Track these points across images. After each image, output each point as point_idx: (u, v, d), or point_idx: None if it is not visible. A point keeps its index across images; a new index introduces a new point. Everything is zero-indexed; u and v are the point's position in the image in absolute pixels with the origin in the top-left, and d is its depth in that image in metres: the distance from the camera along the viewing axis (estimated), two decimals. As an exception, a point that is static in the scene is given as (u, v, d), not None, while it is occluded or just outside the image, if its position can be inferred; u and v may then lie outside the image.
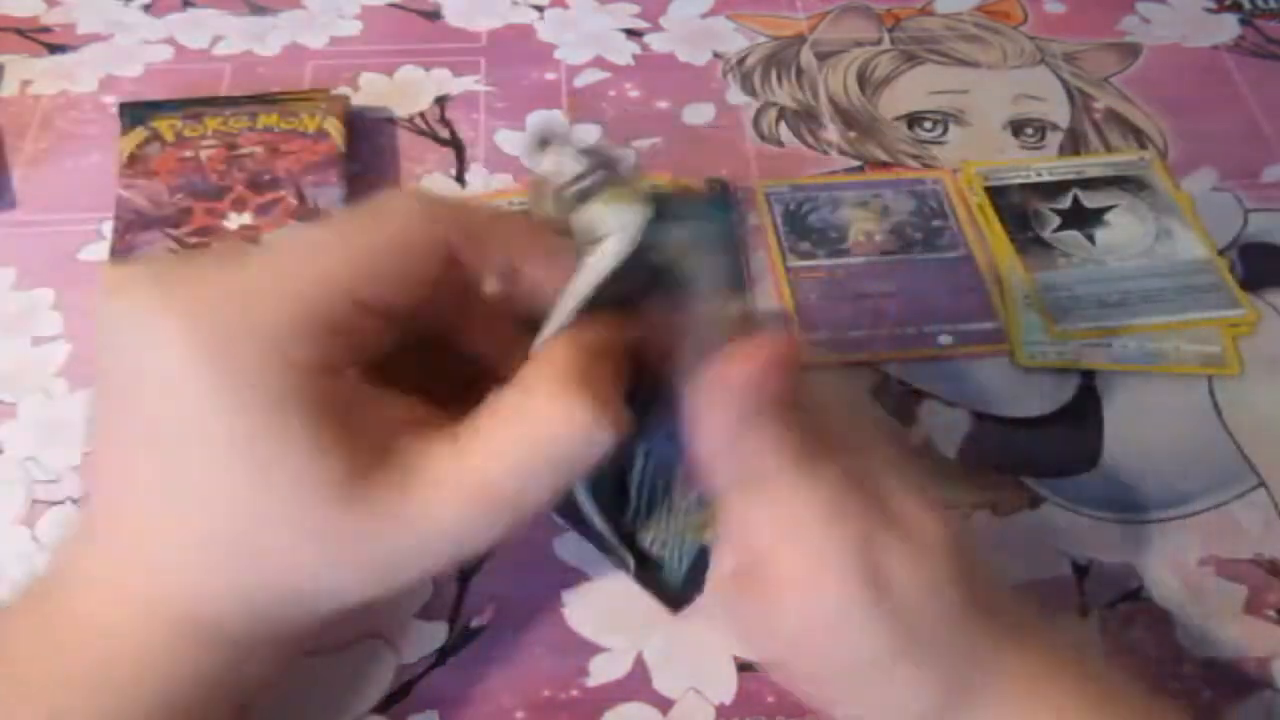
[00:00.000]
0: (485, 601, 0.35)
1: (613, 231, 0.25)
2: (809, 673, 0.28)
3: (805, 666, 0.28)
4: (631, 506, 0.30)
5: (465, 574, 0.35)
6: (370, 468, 0.24)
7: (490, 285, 0.26)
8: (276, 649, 0.27)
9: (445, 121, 0.50)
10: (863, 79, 0.52)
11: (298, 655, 0.30)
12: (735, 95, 0.51)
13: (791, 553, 0.26)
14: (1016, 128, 0.50)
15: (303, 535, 0.24)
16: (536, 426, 0.24)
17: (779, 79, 0.52)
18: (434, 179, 0.47)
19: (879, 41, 0.54)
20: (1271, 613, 0.35)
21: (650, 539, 0.30)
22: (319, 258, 0.24)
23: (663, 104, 0.51)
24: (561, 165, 0.26)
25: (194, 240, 0.43)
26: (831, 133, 0.50)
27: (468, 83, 0.52)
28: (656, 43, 0.54)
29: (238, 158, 0.45)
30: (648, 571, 0.31)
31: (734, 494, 0.27)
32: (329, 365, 0.24)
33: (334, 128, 0.47)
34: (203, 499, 0.24)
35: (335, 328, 0.24)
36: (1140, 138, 0.50)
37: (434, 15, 0.55)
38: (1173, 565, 0.36)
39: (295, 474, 0.23)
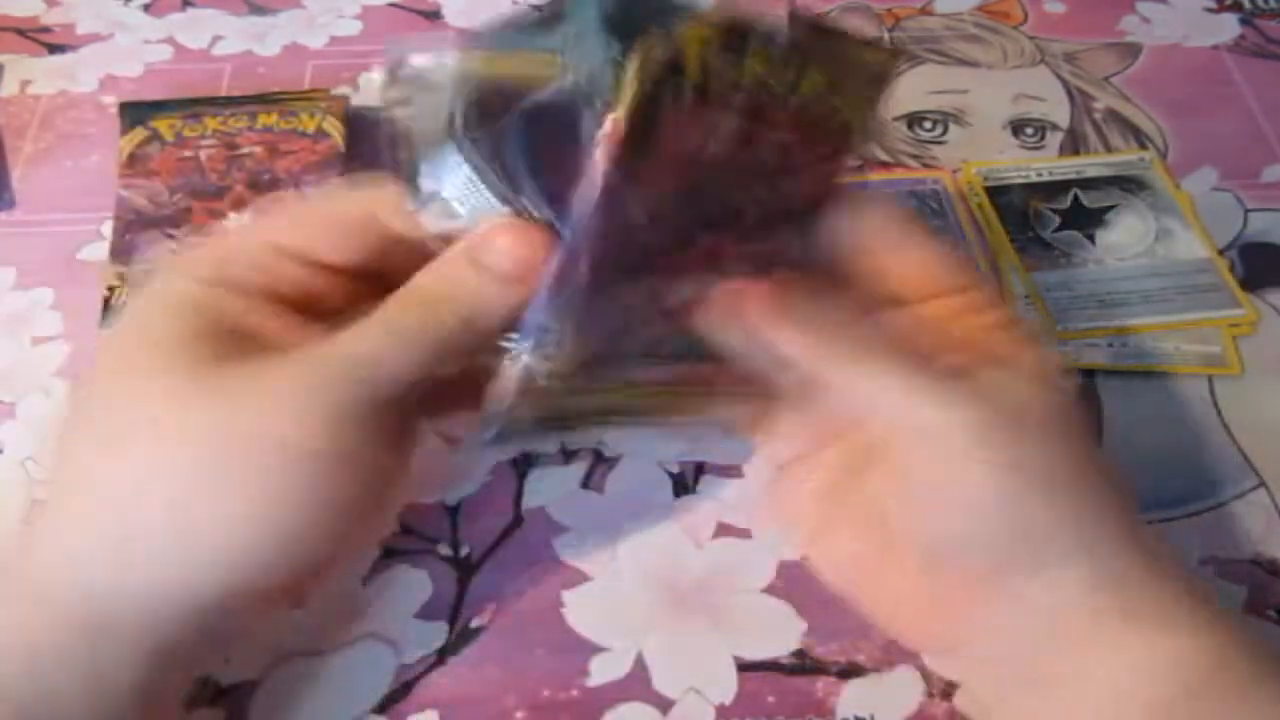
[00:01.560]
0: (485, 601, 0.35)
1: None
2: (938, 554, 0.28)
3: (938, 549, 0.28)
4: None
5: (465, 574, 0.35)
6: (235, 357, 0.26)
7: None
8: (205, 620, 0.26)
9: (445, 121, 0.50)
10: (863, 79, 0.52)
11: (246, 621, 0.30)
12: (735, 95, 0.51)
13: (919, 425, 0.27)
14: (1016, 128, 0.50)
15: (152, 426, 0.25)
16: (390, 314, 0.27)
17: (779, 79, 0.52)
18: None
19: (879, 42, 0.54)
20: (1271, 613, 0.35)
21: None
22: (257, 219, 0.29)
23: (663, 104, 0.51)
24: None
25: (194, 241, 0.43)
26: (831, 133, 0.49)
27: (468, 83, 0.52)
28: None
29: (238, 157, 0.45)
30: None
31: (833, 371, 0.28)
32: (228, 282, 0.27)
33: (334, 127, 0.47)
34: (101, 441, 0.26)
35: (243, 259, 0.28)
36: (1140, 138, 0.50)
37: (434, 15, 0.55)
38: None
39: (162, 349, 0.26)
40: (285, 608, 0.33)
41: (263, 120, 0.47)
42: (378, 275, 0.29)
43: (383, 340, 0.26)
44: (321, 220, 0.29)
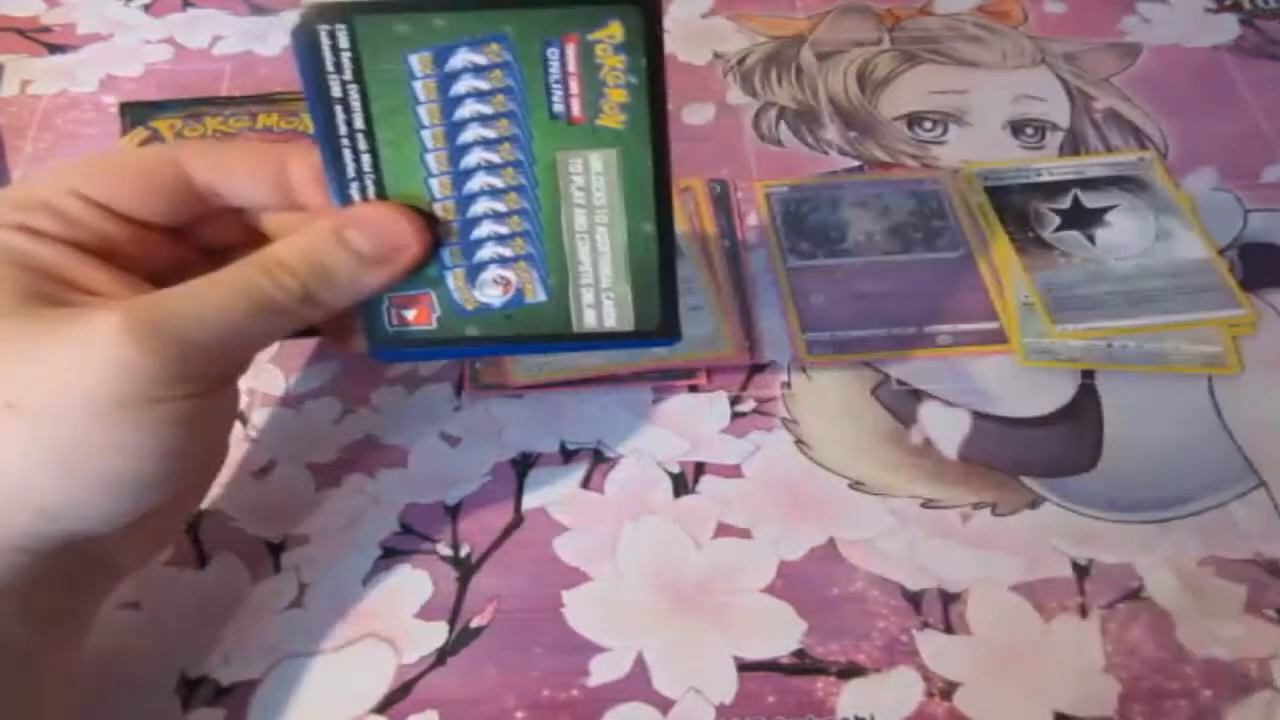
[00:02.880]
0: (485, 601, 0.35)
1: None
2: None
3: None
4: None
5: (465, 574, 0.35)
6: (44, 301, 0.25)
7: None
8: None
9: (445, 121, 0.50)
10: (863, 79, 0.52)
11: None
12: (735, 95, 0.51)
13: None
14: (1016, 128, 0.50)
15: None
16: (221, 281, 0.26)
17: (779, 79, 0.52)
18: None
19: (879, 41, 0.54)
20: (1271, 613, 0.35)
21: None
22: (57, 166, 0.29)
23: (663, 104, 0.51)
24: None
25: None
26: (831, 133, 0.50)
27: (468, 83, 0.52)
28: (656, 43, 0.54)
29: None
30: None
31: None
32: (33, 229, 0.26)
33: (334, 128, 0.47)
34: None
35: (48, 207, 0.27)
36: (1140, 138, 0.50)
37: (434, 15, 0.55)
38: (1173, 565, 0.36)
39: None
40: (150, 543, 0.32)
41: (263, 120, 0.47)
42: (190, 236, 0.29)
43: (212, 300, 0.26)
44: (123, 169, 0.28)
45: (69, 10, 0.55)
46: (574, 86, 0.25)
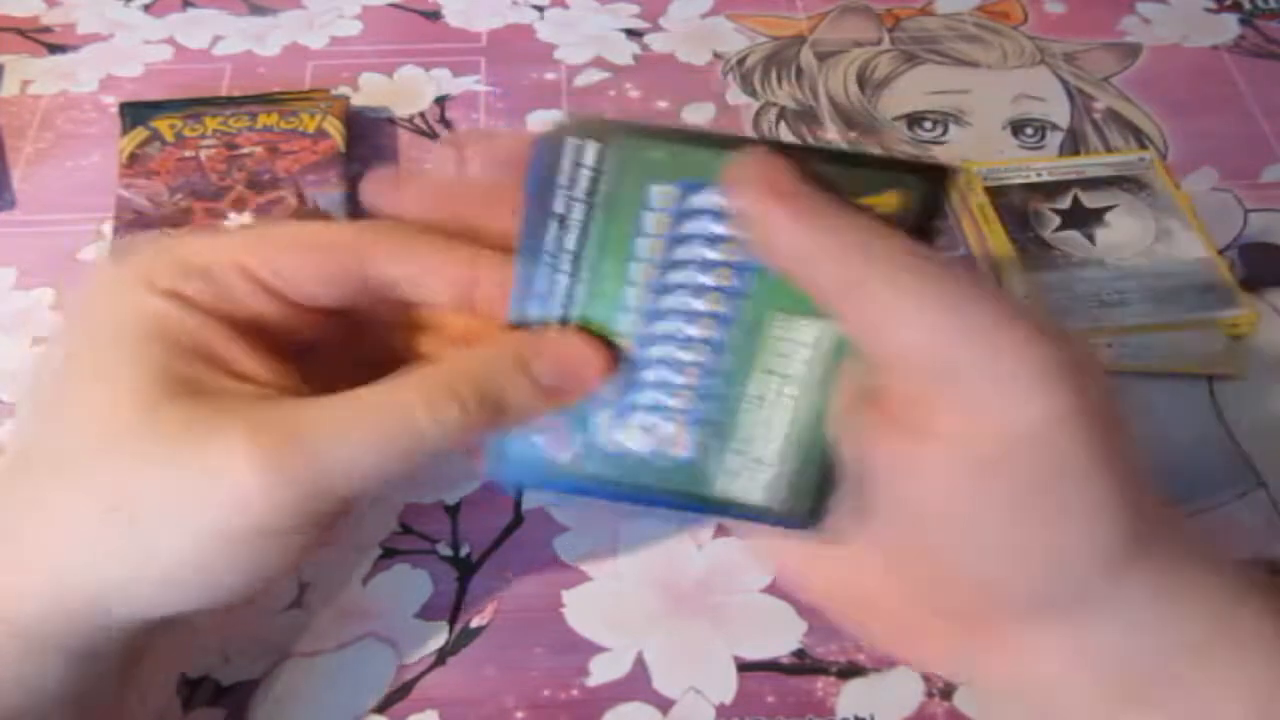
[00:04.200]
0: (485, 601, 0.35)
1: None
2: (957, 529, 0.23)
3: (956, 523, 0.23)
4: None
5: (465, 574, 0.35)
6: (187, 389, 0.24)
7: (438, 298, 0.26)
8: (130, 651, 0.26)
9: (445, 121, 0.50)
10: (863, 79, 0.52)
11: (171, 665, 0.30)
12: (735, 95, 0.51)
13: (982, 370, 0.21)
14: (1016, 128, 0.50)
15: (89, 458, 0.23)
16: (375, 409, 0.24)
17: (779, 79, 0.52)
18: (434, 179, 0.47)
19: (879, 42, 0.54)
20: (1271, 613, 0.35)
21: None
22: (233, 231, 0.27)
23: (663, 104, 0.51)
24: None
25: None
26: (831, 133, 0.50)
27: (468, 83, 0.52)
28: (657, 43, 0.54)
29: (238, 158, 0.45)
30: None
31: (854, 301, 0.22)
32: (191, 301, 0.25)
33: (334, 127, 0.47)
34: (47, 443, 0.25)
35: (210, 277, 0.25)
36: (1140, 138, 0.50)
37: (434, 15, 0.55)
38: (1173, 565, 0.36)
39: (111, 368, 0.24)
40: (209, 635, 0.32)
41: (263, 120, 0.47)
42: (342, 311, 0.26)
43: (357, 436, 0.23)
44: (300, 251, 0.26)
45: (69, 10, 0.55)
46: None
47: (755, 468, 0.26)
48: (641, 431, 0.26)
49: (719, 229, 0.24)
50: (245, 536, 0.23)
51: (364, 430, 0.23)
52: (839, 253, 0.22)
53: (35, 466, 0.25)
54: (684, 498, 0.27)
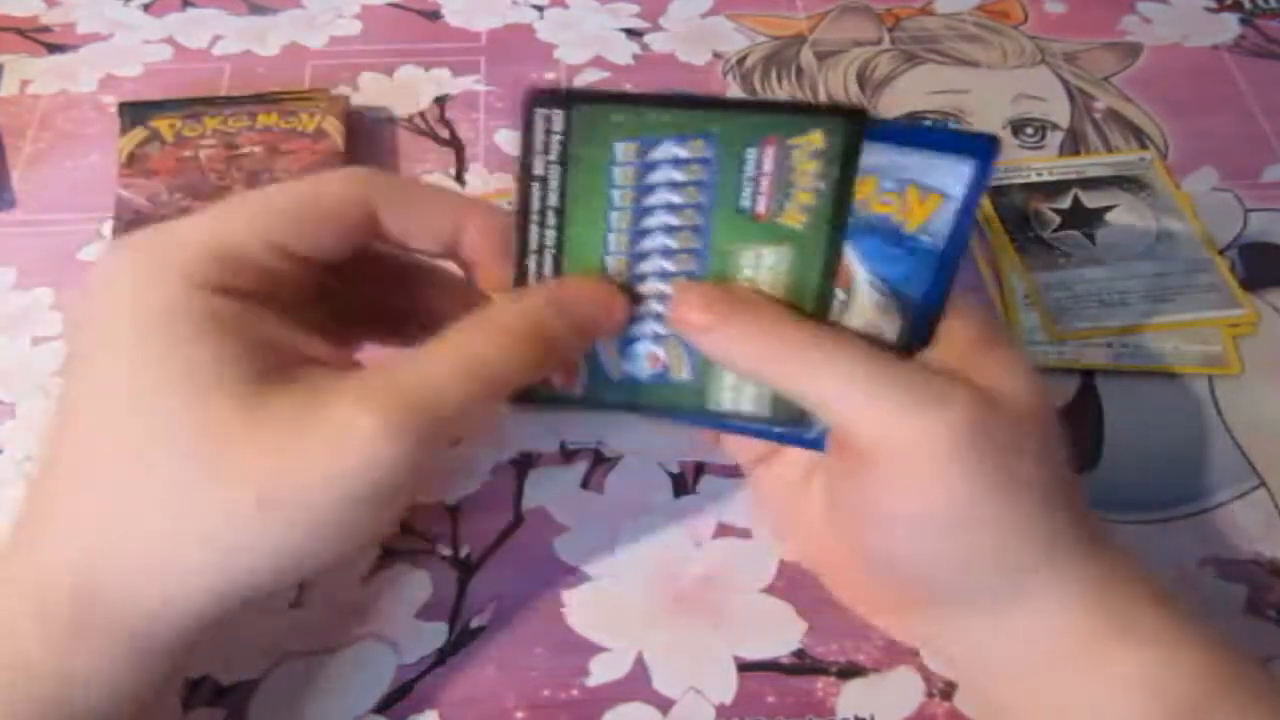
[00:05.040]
0: (485, 601, 0.35)
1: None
2: (897, 552, 0.28)
3: (898, 544, 0.27)
4: None
5: (465, 574, 0.35)
6: (273, 378, 0.25)
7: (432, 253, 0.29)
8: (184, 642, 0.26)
9: (445, 121, 0.50)
10: (863, 79, 0.52)
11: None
12: (735, 95, 0.51)
13: (898, 431, 0.26)
14: (1016, 128, 0.50)
15: (200, 464, 0.24)
16: (467, 346, 0.26)
17: (779, 79, 0.52)
18: (434, 178, 0.47)
19: (879, 41, 0.54)
20: (1272, 612, 0.35)
21: None
22: (245, 205, 0.27)
23: (663, 104, 0.51)
24: None
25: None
26: (831, 133, 0.49)
27: (468, 83, 0.52)
28: (656, 43, 0.54)
29: (237, 157, 0.45)
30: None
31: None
32: (237, 290, 0.26)
33: (333, 127, 0.47)
34: (97, 437, 0.25)
35: (245, 261, 0.26)
36: (1140, 138, 0.50)
37: (434, 15, 0.55)
38: (1173, 565, 0.36)
39: (193, 373, 0.24)
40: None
41: (262, 120, 0.47)
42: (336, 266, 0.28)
43: (450, 383, 0.25)
44: (320, 214, 0.27)
45: (69, 10, 0.55)
46: (764, 185, 0.26)
47: (745, 381, 0.29)
48: (644, 358, 0.29)
49: (679, 176, 0.26)
50: (372, 497, 0.24)
51: (453, 380, 0.25)
52: (768, 358, 0.27)
53: (128, 480, 0.24)
54: (692, 413, 0.30)
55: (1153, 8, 0.56)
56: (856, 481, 0.27)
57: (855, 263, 0.28)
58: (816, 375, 0.26)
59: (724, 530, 0.36)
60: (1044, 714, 0.27)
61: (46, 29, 0.54)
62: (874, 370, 0.26)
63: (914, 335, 0.28)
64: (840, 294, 0.28)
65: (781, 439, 0.31)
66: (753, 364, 0.27)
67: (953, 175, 0.26)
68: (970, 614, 0.28)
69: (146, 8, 0.55)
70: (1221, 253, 0.44)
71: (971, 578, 0.27)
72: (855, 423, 0.26)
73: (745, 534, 0.36)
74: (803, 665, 0.34)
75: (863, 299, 0.28)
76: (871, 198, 0.27)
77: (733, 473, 0.38)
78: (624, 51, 0.53)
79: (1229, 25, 0.55)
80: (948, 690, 0.33)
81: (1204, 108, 0.51)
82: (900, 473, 0.26)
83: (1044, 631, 0.27)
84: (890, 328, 0.28)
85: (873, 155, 0.26)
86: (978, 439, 0.25)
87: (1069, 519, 0.27)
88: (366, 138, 0.49)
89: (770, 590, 0.35)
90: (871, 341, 0.27)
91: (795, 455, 0.32)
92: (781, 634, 0.34)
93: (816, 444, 0.30)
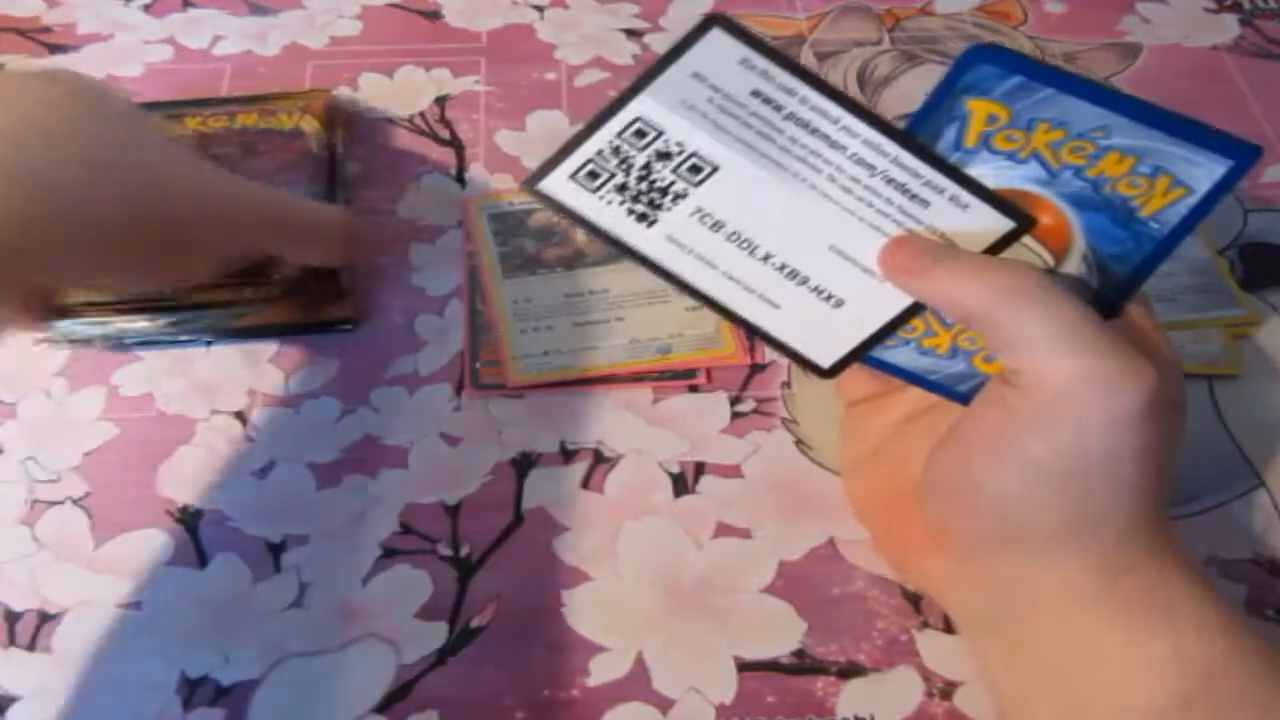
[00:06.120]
0: (485, 601, 0.35)
1: None
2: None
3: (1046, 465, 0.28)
4: None
5: (465, 574, 0.35)
6: None
7: None
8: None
9: (445, 121, 0.50)
10: (863, 79, 0.52)
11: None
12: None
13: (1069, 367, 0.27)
14: (1016, 128, 0.50)
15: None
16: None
17: (779, 79, 0.52)
18: (434, 179, 0.47)
19: (879, 41, 0.54)
20: (1272, 613, 0.35)
21: None
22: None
23: (663, 104, 0.51)
24: None
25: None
26: (831, 133, 0.49)
27: (468, 83, 0.52)
28: (656, 43, 0.54)
29: (214, 158, 0.45)
30: None
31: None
32: None
33: (310, 126, 0.46)
34: None
35: None
36: (1140, 138, 0.50)
37: (434, 15, 0.55)
38: (1173, 565, 0.36)
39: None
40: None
41: (241, 120, 0.46)
42: None
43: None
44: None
45: (69, 10, 0.55)
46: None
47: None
48: None
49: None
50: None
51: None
52: (963, 296, 0.28)
53: None
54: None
55: (1152, 8, 0.56)
56: (1012, 424, 0.28)
57: (1079, 234, 0.29)
58: (1019, 319, 0.27)
59: (724, 530, 0.36)
60: (1059, 648, 0.28)
61: (47, 29, 0.54)
62: (1081, 323, 0.27)
63: (1104, 310, 0.29)
64: (1049, 258, 0.29)
65: (934, 387, 0.32)
66: (961, 306, 0.28)
67: (1206, 172, 0.27)
68: (1024, 559, 0.29)
69: (147, 8, 0.55)
70: (1221, 253, 0.44)
71: (1075, 524, 0.28)
72: (1050, 371, 0.27)
73: (745, 534, 0.36)
74: (803, 665, 0.34)
75: (1069, 268, 0.29)
76: (1123, 178, 0.28)
77: (733, 473, 0.38)
78: (624, 51, 0.53)
79: (1229, 25, 0.55)
80: (947, 690, 0.33)
81: (1204, 108, 0.51)
82: (1075, 419, 0.27)
83: (1087, 581, 0.28)
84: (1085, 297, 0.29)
85: (1140, 137, 0.27)
86: (1155, 408, 0.27)
87: (1162, 496, 0.29)
88: (367, 138, 0.49)
89: (770, 590, 0.35)
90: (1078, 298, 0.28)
91: (900, 398, 0.34)
92: (781, 634, 0.34)
93: (965, 397, 0.32)
